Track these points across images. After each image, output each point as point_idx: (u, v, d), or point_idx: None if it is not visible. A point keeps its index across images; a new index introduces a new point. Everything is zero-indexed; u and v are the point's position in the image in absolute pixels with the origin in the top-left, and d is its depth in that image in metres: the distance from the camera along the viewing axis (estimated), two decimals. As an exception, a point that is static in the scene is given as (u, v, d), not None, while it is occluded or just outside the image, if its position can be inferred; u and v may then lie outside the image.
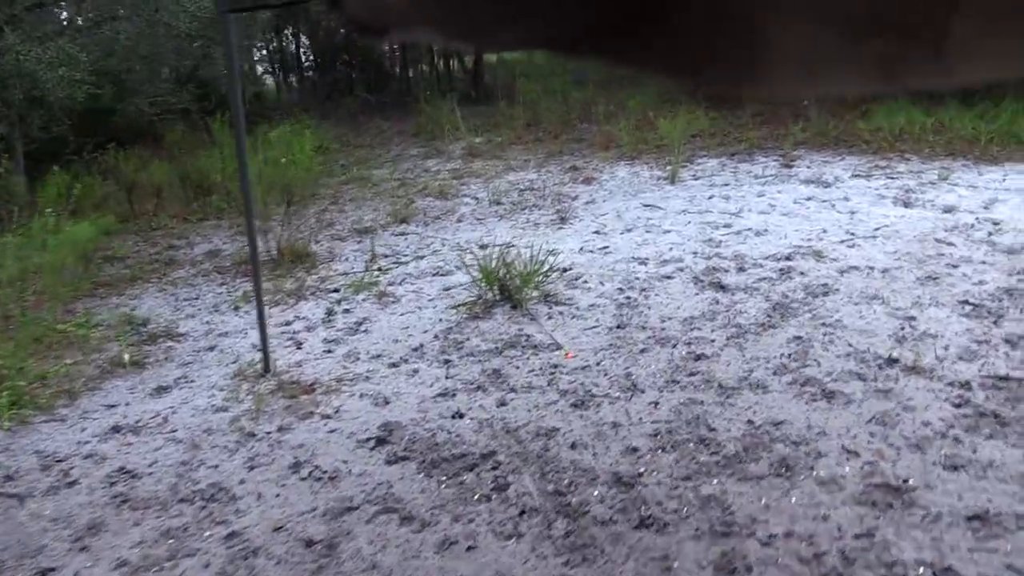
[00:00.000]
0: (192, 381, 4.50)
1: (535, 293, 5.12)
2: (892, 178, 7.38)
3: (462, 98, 13.82)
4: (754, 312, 4.61)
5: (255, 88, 12.56)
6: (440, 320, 4.97)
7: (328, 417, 3.90)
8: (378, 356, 4.55)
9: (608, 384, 3.94)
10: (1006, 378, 3.64)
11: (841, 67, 0.46)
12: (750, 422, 3.47)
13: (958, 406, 3.45)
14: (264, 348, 4.43)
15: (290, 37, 16.20)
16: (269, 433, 3.80)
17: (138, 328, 5.33)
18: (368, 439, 3.66)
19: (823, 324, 4.36)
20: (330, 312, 5.21)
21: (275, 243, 6.54)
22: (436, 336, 4.73)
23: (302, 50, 16.40)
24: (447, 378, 4.19)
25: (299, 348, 4.80)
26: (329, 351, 4.71)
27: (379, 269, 6.16)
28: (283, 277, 6.16)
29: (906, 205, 6.46)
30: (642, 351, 4.27)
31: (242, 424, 3.90)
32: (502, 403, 3.87)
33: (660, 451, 3.34)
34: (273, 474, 3.47)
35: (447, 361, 4.38)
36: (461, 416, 3.79)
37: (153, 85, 9.89)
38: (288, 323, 5.21)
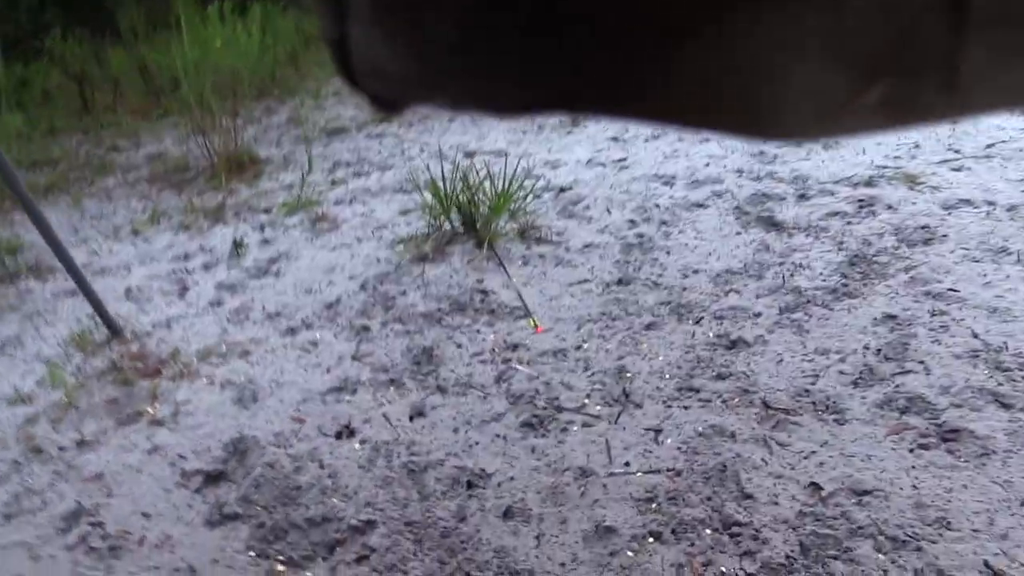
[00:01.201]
0: (22, 345, 3.09)
1: (511, 225, 3.55)
2: (1002, 75, 5.48)
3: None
4: (821, 267, 2.99)
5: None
6: (377, 260, 3.44)
7: (159, 424, 2.46)
8: (276, 315, 3.07)
9: (586, 387, 2.41)
10: None
11: (852, 109, 0.33)
12: (814, 485, 1.93)
13: None
14: (100, 311, 2.98)
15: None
16: (63, 450, 2.38)
17: (3, 259, 3.92)
18: (197, 471, 2.22)
19: (928, 294, 2.73)
20: (238, 244, 3.71)
21: (210, 148, 5.03)
22: (363, 286, 3.22)
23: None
24: (354, 359, 2.70)
25: (182, 296, 3.34)
26: (217, 303, 3.24)
27: (333, 182, 4.63)
28: (213, 191, 4.67)
29: (1027, 111, 4.62)
30: (648, 327, 2.71)
31: (36, 430, 2.49)
32: (419, 413, 2.37)
33: (654, 541, 1.83)
34: (33, 532, 2.07)
35: (364, 329, 2.89)
36: (351, 434, 2.31)
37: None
38: (186, 257, 3.74)
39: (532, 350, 2.64)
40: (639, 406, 2.29)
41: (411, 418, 2.35)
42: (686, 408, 2.26)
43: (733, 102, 0.34)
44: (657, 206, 3.73)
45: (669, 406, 2.27)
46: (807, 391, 2.27)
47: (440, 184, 3.46)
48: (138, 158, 5.74)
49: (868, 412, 2.16)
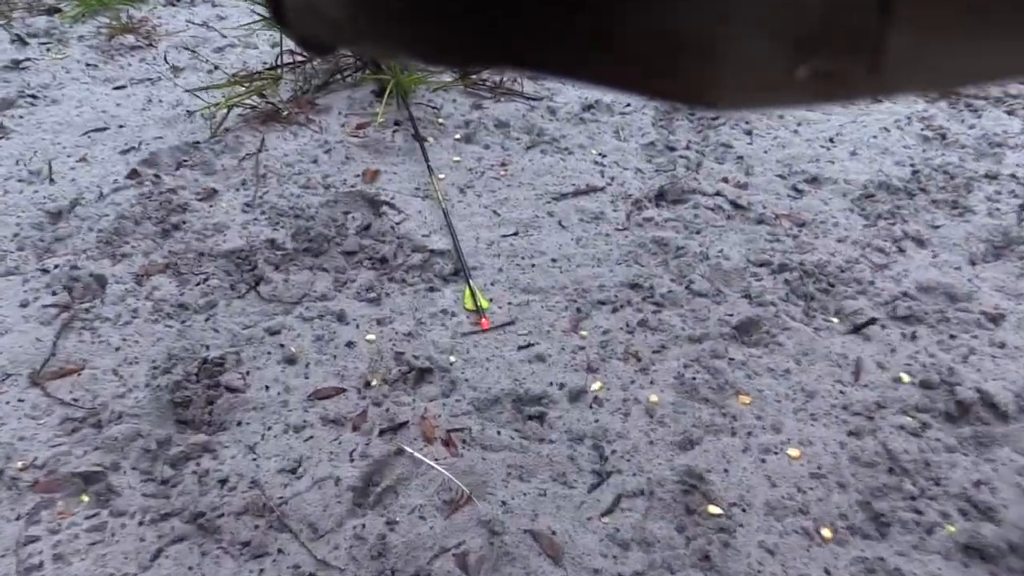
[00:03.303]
0: None
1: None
2: None
3: None
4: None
5: None
6: (187, 115, 1.69)
7: None
8: (-62, 235, 1.36)
9: (601, 561, 0.81)
10: None
11: (786, 84, 0.34)
12: None
13: None
14: None
15: None
16: None
17: None
18: None
19: None
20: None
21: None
22: (138, 171, 1.49)
23: None
24: (34, 383, 1.04)
25: None
26: None
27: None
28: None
29: None
30: (739, 332, 1.08)
31: None
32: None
33: None
34: None
35: (96, 285, 1.20)
36: None
37: None
38: None
39: (463, 390, 1.01)
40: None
41: None
42: None
43: (671, 70, 0.32)
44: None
45: None
46: None
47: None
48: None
49: None
